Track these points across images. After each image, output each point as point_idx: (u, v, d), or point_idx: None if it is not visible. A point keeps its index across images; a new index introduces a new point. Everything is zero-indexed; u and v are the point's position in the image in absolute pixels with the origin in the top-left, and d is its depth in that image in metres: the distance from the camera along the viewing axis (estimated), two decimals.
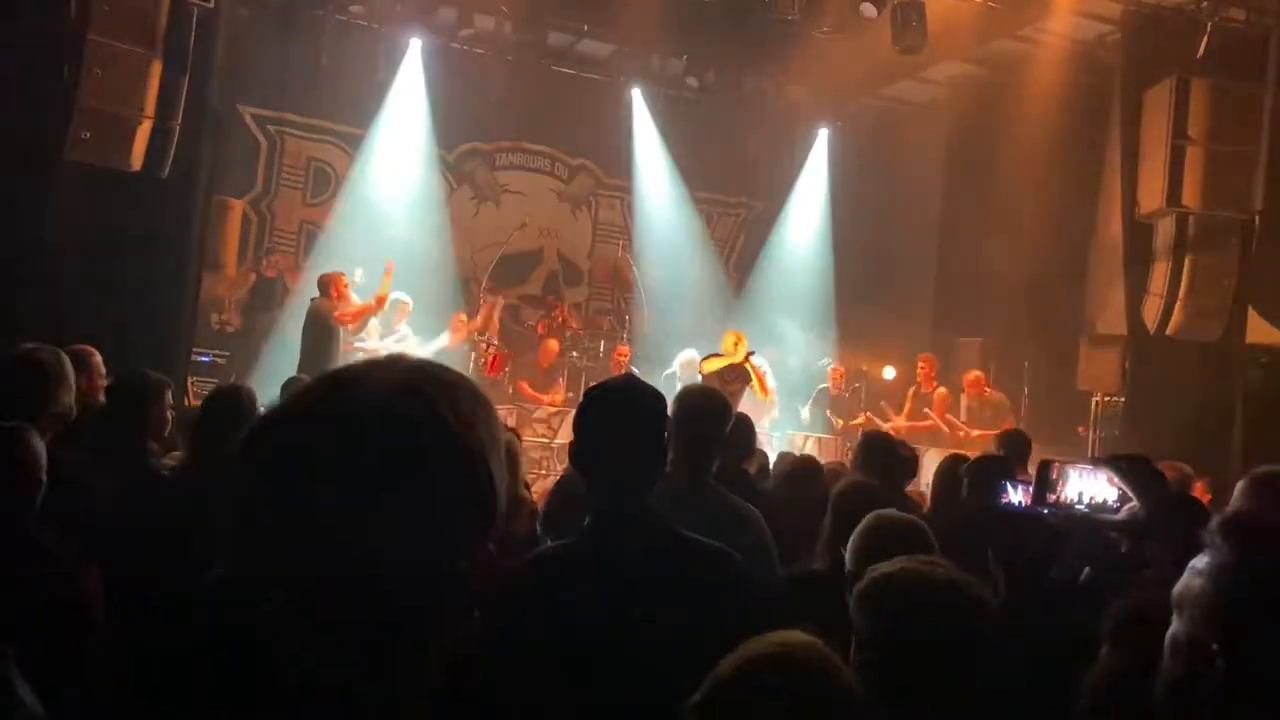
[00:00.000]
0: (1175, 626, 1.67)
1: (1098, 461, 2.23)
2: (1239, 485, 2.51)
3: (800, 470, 4.95)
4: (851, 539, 2.73)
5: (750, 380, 9.37)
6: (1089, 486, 2.35)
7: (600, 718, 2.05)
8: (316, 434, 0.94)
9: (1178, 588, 1.69)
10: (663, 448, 2.34)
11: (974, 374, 10.34)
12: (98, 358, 4.51)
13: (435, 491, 0.94)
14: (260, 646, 0.96)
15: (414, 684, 0.97)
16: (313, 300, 9.30)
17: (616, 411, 2.32)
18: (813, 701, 1.50)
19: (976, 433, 9.75)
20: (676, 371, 10.01)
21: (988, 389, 10.26)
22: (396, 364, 1.01)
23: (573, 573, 2.21)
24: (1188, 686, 1.56)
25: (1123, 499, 2.23)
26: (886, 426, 9.74)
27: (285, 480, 0.93)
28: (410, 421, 0.95)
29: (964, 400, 10.36)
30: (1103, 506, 2.30)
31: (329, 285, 9.26)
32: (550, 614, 2.05)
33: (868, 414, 10.81)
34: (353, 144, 12.35)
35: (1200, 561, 1.66)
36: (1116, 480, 2.21)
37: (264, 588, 0.95)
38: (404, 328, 10.18)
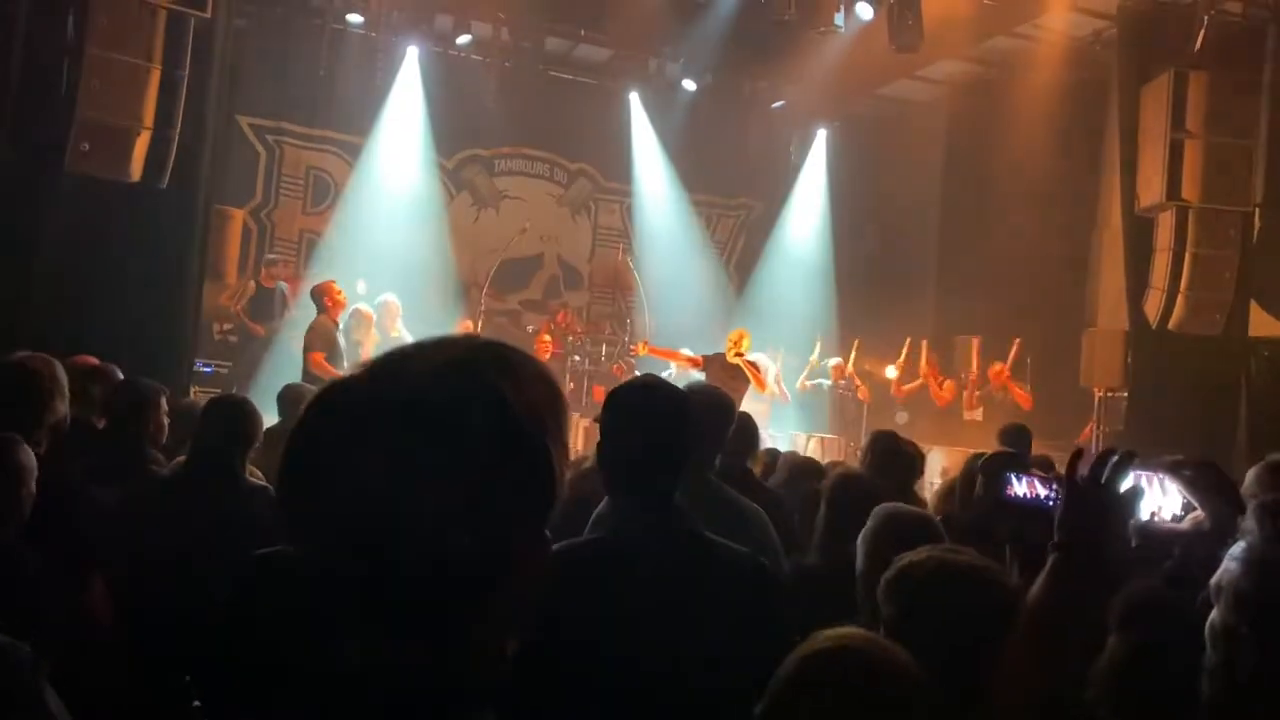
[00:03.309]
0: (1214, 614, 1.66)
1: (1157, 468, 2.12)
2: (1251, 472, 2.46)
3: (803, 468, 4.95)
4: (862, 534, 2.71)
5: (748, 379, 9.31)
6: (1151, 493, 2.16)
7: (627, 716, 2.03)
8: (364, 412, 0.93)
9: (1216, 575, 1.68)
10: (687, 445, 2.30)
11: (999, 366, 10.30)
12: (115, 370, 4.50)
13: (489, 472, 0.92)
14: (314, 625, 0.95)
15: (473, 662, 0.96)
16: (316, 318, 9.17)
17: (641, 410, 2.30)
18: (881, 690, 1.50)
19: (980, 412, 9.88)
20: (673, 372, 9.95)
21: (1013, 385, 10.21)
22: (457, 342, 1.00)
23: (598, 570, 2.16)
24: (1226, 673, 1.55)
25: (1186, 507, 2.11)
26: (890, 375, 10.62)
27: (335, 459, 0.92)
28: (461, 401, 0.93)
29: (979, 392, 10.40)
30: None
31: (321, 297, 8.94)
32: (576, 611, 2.00)
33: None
34: (352, 152, 12.36)
35: (1236, 548, 1.65)
36: (1180, 488, 2.10)
37: (321, 567, 0.94)
38: (400, 328, 9.66)
